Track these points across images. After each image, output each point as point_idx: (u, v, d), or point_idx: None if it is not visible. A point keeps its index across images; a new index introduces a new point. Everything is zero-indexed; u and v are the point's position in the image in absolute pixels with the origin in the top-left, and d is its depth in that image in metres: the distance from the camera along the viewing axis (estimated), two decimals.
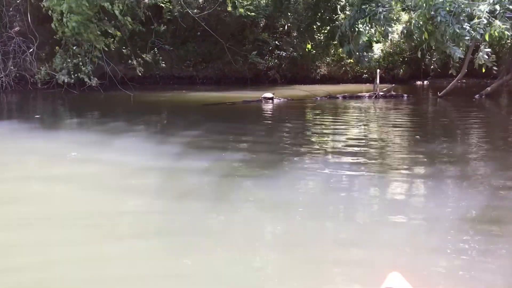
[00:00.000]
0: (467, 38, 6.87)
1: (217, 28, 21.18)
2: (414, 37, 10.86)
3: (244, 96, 14.45)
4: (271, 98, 13.70)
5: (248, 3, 18.63)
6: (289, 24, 21.15)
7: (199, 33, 21.58)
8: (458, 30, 6.62)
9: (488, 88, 15.23)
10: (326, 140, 8.62)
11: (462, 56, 7.15)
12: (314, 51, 21.11)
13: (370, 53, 10.92)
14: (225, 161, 6.56)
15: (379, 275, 2.91)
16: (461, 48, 7.09)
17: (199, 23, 21.33)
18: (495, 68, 11.08)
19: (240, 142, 8.10)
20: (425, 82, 21.62)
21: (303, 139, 8.52)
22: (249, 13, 18.45)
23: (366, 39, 15.72)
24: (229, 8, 17.89)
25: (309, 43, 20.80)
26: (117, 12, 14.27)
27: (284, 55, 21.30)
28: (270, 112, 12.55)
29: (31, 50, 15.94)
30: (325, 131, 9.53)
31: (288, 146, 7.78)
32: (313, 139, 8.58)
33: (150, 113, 12.17)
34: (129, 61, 19.13)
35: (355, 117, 11.51)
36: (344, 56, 21.44)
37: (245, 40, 21.25)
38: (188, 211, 4.54)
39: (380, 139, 8.40)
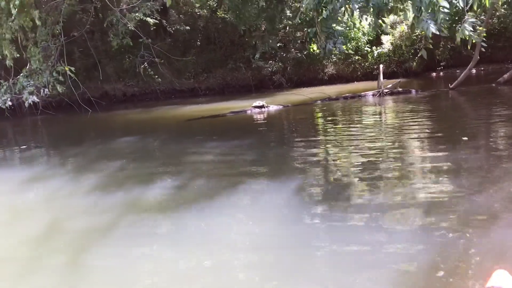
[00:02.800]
0: (446, 10, 5.41)
1: (216, 36, 20.29)
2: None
3: (237, 106, 13.31)
4: (262, 106, 12.56)
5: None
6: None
7: (198, 42, 20.73)
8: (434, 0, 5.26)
9: (506, 75, 13.57)
10: (317, 164, 6.38)
11: (437, 33, 5.67)
12: (318, 51, 19.83)
13: (338, 43, 9.18)
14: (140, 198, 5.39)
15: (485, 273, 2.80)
16: (442, 23, 5.52)
17: (197, 34, 20.55)
18: (484, 45, 9.40)
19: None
20: (441, 73, 20.02)
21: (286, 163, 6.55)
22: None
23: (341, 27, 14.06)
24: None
25: (313, 43, 19.51)
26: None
27: (288, 57, 20.15)
28: (255, 124, 11.14)
29: None
30: (316, 148, 8.17)
31: (256, 174, 6.35)
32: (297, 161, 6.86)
33: (109, 136, 10.97)
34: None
35: (356, 124, 9.87)
36: (352, 53, 20.19)
37: (246, 45, 20.19)
38: None
39: (391, 151, 7.06)
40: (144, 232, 4.29)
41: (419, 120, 9.22)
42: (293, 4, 11.66)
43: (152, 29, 18.90)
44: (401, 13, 6.63)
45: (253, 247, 3.79)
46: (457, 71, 17.29)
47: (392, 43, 20.00)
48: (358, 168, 5.74)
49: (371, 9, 6.09)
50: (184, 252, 3.79)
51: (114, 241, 4.17)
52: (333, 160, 6.42)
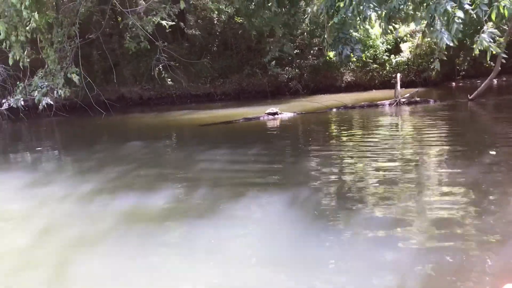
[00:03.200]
0: (459, 20, 5.10)
1: (233, 42, 20.20)
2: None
3: (252, 112, 13.11)
4: (275, 113, 12.35)
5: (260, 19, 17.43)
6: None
7: (215, 47, 20.65)
8: (450, 9, 4.93)
9: None
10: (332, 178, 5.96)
11: (451, 44, 5.38)
12: (334, 57, 19.54)
13: (356, 49, 8.80)
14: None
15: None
16: (455, 33, 5.21)
17: (214, 39, 20.48)
18: (505, 56, 9.01)
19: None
20: (460, 83, 19.57)
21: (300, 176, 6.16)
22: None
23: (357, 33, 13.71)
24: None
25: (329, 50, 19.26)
26: None
27: (305, 63, 19.91)
28: (267, 131, 10.87)
29: None
30: (329, 159, 7.97)
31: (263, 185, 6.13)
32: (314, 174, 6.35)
33: (120, 140, 10.75)
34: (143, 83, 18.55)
35: (372, 134, 9.57)
36: (370, 61, 19.89)
37: (262, 51, 20.01)
38: None
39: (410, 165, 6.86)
40: (144, 242, 4.12)
41: (437, 132, 8.91)
42: (306, 8, 11.41)
43: (169, 32, 18.93)
44: (412, 20, 6.38)
45: (264, 262, 3.62)
46: (478, 81, 16.88)
47: (411, 52, 19.64)
48: (373, 182, 5.48)
49: (383, 14, 5.86)
50: (190, 265, 3.63)
51: (105, 252, 3.99)
52: (347, 173, 6.13)
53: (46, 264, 3.81)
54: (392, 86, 18.82)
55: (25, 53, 11.97)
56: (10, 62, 12.43)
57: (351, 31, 9.53)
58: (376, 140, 8.46)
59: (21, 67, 12.43)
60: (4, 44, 11.96)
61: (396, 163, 6.31)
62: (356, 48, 8.76)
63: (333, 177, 5.87)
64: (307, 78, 20.20)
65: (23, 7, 11.07)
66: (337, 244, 3.82)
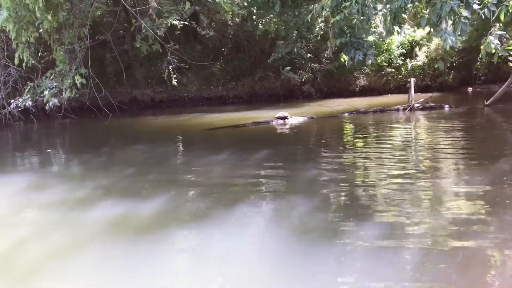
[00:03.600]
0: (466, 20, 4.76)
1: (245, 44, 20.02)
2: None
3: (263, 116, 12.85)
4: (285, 118, 12.11)
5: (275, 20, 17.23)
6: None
7: (228, 50, 20.49)
8: (456, 8, 4.60)
9: None
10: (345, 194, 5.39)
11: (456, 45, 5.09)
12: (346, 61, 19.19)
13: (369, 54, 8.46)
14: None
15: None
16: (458, 34, 4.85)
17: (227, 41, 20.32)
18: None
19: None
20: (478, 88, 19.07)
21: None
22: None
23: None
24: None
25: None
26: None
27: (318, 67, 19.63)
28: (275, 136, 10.61)
29: None
30: (338, 167, 7.45)
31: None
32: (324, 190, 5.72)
33: (125, 143, 10.58)
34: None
35: (383, 141, 9.11)
36: (385, 64, 19.53)
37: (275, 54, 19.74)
38: None
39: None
40: (127, 252, 3.92)
41: (451, 139, 8.55)
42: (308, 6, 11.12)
43: (182, 34, 18.85)
44: (418, 18, 6.06)
45: (270, 276, 3.40)
46: (495, 86, 16.40)
47: (427, 56, 19.22)
48: (384, 192, 5.19)
49: (388, 13, 5.59)
50: (176, 277, 3.41)
51: (81, 262, 3.77)
52: (356, 181, 5.85)
53: (12, 274, 3.61)
54: (407, 90, 18.44)
55: (29, 54, 11.86)
56: (16, 62, 12.38)
57: (364, 35, 9.27)
58: (387, 147, 8.15)
59: (31, 68, 12.37)
60: (13, 44, 11.93)
61: (408, 171, 5.99)
62: (369, 53, 8.50)
63: (341, 186, 5.57)
64: (321, 82, 19.91)
65: (36, 8, 11.03)
66: (345, 258, 3.56)
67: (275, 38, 19.34)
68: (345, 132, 10.69)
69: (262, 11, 13.22)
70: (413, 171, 6.01)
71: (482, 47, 5.47)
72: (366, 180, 5.85)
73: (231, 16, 19.98)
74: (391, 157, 7.04)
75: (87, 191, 5.91)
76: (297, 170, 6.70)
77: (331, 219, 4.42)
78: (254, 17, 14.78)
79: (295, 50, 18.22)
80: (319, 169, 6.60)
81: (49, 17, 11.43)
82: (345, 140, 9.47)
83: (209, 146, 9.53)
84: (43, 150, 10.17)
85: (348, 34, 8.78)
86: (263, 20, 15.99)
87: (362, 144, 8.68)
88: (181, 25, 16.88)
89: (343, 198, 5.07)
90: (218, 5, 19.36)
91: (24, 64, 11.95)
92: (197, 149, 9.17)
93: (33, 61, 12.57)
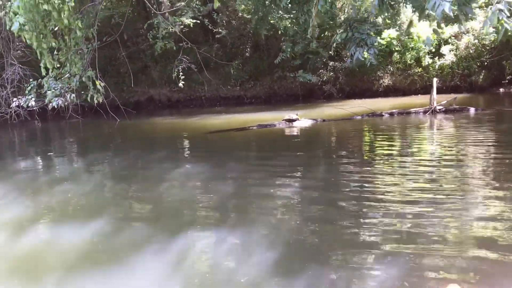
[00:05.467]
0: None
1: (264, 44, 19.19)
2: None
3: (277, 118, 11.93)
4: (293, 120, 11.24)
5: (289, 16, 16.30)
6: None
7: (246, 49, 19.71)
8: None
9: None
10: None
11: (451, 14, 3.91)
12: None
13: (371, 53, 7.39)
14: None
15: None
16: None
17: (246, 40, 19.58)
18: None
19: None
20: (511, 89, 17.59)
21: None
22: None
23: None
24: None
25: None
26: None
27: (340, 66, 18.59)
28: (278, 141, 9.58)
29: None
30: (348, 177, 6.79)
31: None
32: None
33: (121, 148, 9.89)
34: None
35: (397, 150, 8.14)
36: (412, 63, 18.31)
37: (294, 53, 18.83)
38: None
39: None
40: None
41: (473, 147, 7.43)
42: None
43: (200, 33, 18.28)
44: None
45: None
46: None
47: (456, 55, 17.89)
48: (396, 212, 4.32)
49: None
50: None
51: None
52: (358, 208, 4.98)
53: None
54: (436, 91, 17.24)
55: (52, 59, 11.28)
56: (43, 72, 11.79)
57: (369, 30, 8.28)
58: (400, 156, 7.16)
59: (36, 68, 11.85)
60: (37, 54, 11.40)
61: (424, 185, 5.05)
62: (371, 52, 7.51)
63: (351, 204, 4.71)
64: (343, 81, 18.89)
65: (63, 15, 10.46)
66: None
67: (293, 35, 18.45)
68: (353, 138, 9.66)
69: (270, 6, 12.34)
70: (428, 184, 5.03)
71: (484, 20, 4.33)
72: (374, 203, 4.86)
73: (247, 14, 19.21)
74: (402, 172, 6.03)
75: (26, 210, 5.21)
76: (283, 187, 5.74)
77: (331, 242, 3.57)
78: (260, 13, 13.88)
79: (310, 48, 17.26)
80: (300, 187, 5.69)
81: (65, 21, 10.85)
82: (351, 148, 8.46)
83: (198, 153, 8.71)
84: (26, 155, 9.67)
85: (353, 29, 7.84)
86: (270, 18, 15.11)
87: (370, 153, 7.67)
88: (194, 24, 16.21)
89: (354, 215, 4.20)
90: (235, 3, 18.61)
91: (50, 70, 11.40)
92: (182, 158, 8.25)
93: (58, 65, 12.00)
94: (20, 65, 13.10)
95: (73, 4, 9.03)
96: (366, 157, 7.34)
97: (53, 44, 11.49)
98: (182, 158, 8.24)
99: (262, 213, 4.63)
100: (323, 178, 6.09)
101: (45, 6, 10.23)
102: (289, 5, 9.36)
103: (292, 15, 13.41)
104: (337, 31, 14.09)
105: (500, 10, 4.03)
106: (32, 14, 10.56)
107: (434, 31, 7.76)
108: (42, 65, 11.46)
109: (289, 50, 17.28)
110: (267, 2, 11.57)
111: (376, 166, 6.52)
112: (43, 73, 11.72)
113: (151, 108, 18.98)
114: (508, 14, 4.09)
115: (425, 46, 17.26)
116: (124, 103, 17.49)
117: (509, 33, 4.57)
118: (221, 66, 18.77)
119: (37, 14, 9.94)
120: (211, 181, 6.12)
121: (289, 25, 15.97)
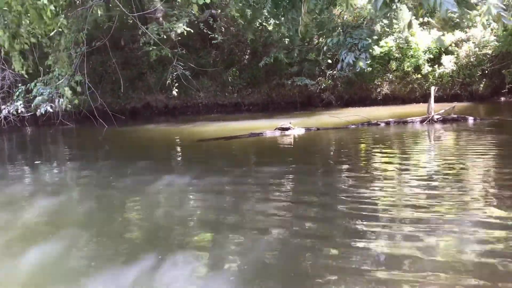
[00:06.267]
0: None
1: (261, 51, 18.84)
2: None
3: (272, 126, 11.52)
4: (288, 129, 10.85)
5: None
6: None
7: (246, 56, 19.38)
8: None
9: None
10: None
11: (455, 9, 3.47)
12: (370, 68, 17.62)
13: (362, 58, 7.00)
14: None
15: None
16: None
17: (243, 47, 19.26)
18: None
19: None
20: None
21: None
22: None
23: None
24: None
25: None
26: None
27: (339, 74, 18.19)
28: (266, 151, 9.19)
29: None
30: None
31: None
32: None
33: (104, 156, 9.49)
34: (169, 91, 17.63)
35: (389, 162, 7.74)
36: (410, 70, 17.90)
37: (291, 61, 18.47)
38: None
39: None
40: None
41: (471, 159, 6.99)
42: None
43: (197, 39, 17.97)
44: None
45: None
46: None
47: (456, 63, 17.48)
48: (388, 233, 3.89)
49: None
50: None
51: None
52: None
53: None
54: (436, 99, 16.80)
55: (23, 63, 10.94)
56: (17, 69, 11.56)
57: (364, 35, 7.89)
58: (394, 169, 6.72)
59: (25, 75, 11.50)
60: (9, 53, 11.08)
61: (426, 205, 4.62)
62: (362, 56, 7.12)
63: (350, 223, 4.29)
64: (341, 89, 18.54)
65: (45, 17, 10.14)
66: None
67: (291, 43, 18.12)
68: (346, 148, 9.22)
69: (257, 9, 12.00)
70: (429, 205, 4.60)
71: (479, 13, 3.91)
72: (366, 222, 4.42)
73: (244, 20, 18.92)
74: (394, 187, 5.59)
75: None
76: (266, 202, 5.22)
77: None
78: (248, 17, 13.58)
79: (309, 57, 16.95)
80: (285, 200, 5.23)
81: (42, 25, 10.50)
82: (343, 158, 8.03)
83: (178, 164, 8.31)
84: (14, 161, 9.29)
85: (346, 34, 7.46)
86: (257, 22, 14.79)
87: (359, 166, 7.22)
88: (188, 31, 15.88)
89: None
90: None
91: (21, 71, 11.06)
92: (163, 169, 7.58)
93: (30, 70, 11.68)
94: (11, 71, 12.74)
95: (53, 8, 8.57)
96: (358, 170, 6.91)
97: (26, 46, 11.14)
98: (163, 169, 7.73)
99: (239, 231, 4.21)
100: (310, 191, 5.66)
101: (19, 8, 9.88)
102: (274, 9, 8.99)
103: (277, 20, 13.08)
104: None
105: (495, 5, 3.62)
106: (5, 14, 10.20)
107: (439, 40, 7.42)
108: (13, 67, 11.13)
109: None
110: (254, 4, 11.23)
111: (367, 180, 6.07)
112: (17, 70, 11.37)
113: (147, 115, 18.66)
114: (503, 7, 3.67)
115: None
116: (120, 109, 17.21)
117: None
118: (218, 73, 18.45)
119: (9, 14, 9.52)
120: (189, 194, 5.70)
121: (276, 29, 15.68)
